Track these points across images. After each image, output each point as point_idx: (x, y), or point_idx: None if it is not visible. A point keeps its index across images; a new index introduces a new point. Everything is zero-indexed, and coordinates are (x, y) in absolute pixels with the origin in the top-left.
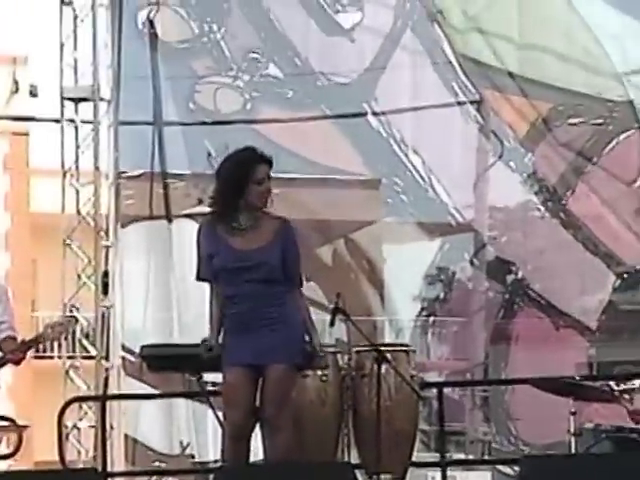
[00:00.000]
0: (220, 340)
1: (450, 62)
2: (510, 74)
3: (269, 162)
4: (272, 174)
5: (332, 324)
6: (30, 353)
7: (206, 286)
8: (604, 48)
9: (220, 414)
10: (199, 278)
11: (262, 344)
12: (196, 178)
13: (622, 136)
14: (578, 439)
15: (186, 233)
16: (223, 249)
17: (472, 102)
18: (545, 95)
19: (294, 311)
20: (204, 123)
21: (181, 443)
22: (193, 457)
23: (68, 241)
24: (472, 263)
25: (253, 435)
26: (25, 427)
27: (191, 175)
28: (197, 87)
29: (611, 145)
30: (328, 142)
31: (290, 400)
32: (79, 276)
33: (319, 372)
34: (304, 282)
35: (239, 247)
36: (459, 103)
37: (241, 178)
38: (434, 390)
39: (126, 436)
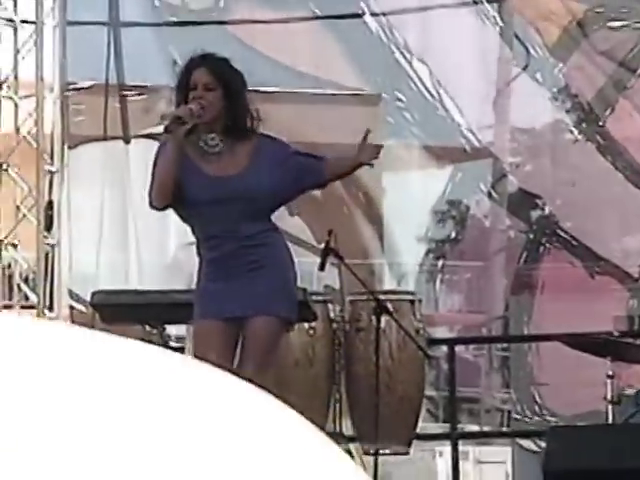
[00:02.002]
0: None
1: None
2: None
3: (213, 65)
4: (249, 87)
5: (322, 268)
6: None
7: (171, 221)
8: None
9: None
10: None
11: (243, 293)
12: (159, 91)
13: None
14: (616, 407)
15: (147, 157)
16: (194, 176)
17: (491, 0)
18: None
19: (283, 251)
20: (169, 24)
21: None
22: None
23: (4, 166)
24: (490, 196)
25: None
26: None
27: (153, 87)
28: None
29: None
30: (317, 49)
31: (273, 361)
32: (18, 207)
33: (306, 325)
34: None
35: (213, 173)
36: (475, 2)
37: (181, 88)
38: (444, 348)
39: None
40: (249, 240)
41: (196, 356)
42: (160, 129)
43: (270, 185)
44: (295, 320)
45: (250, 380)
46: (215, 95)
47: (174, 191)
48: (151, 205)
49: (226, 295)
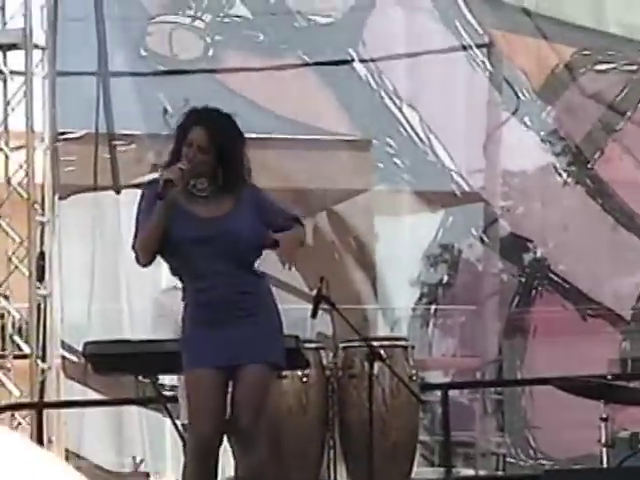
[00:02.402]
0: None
1: None
2: (526, 11)
3: (212, 126)
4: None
5: (314, 315)
6: None
7: (163, 270)
8: None
9: (179, 423)
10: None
11: (234, 341)
12: (150, 139)
13: None
14: (610, 451)
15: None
16: (182, 217)
17: (480, 46)
18: (568, 37)
19: (270, 298)
20: (158, 73)
21: (134, 459)
22: (148, 476)
23: None
24: (482, 240)
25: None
26: None
27: (143, 136)
28: (149, 29)
29: None
30: (307, 95)
31: (265, 408)
32: (9, 259)
33: (299, 372)
34: (286, 266)
35: (201, 215)
36: (464, 47)
37: (177, 142)
38: (438, 393)
39: (67, 451)
40: (237, 287)
41: (192, 406)
42: (151, 178)
43: (251, 228)
44: (285, 366)
45: (247, 428)
46: (208, 157)
47: (161, 238)
48: (136, 260)
49: (216, 343)
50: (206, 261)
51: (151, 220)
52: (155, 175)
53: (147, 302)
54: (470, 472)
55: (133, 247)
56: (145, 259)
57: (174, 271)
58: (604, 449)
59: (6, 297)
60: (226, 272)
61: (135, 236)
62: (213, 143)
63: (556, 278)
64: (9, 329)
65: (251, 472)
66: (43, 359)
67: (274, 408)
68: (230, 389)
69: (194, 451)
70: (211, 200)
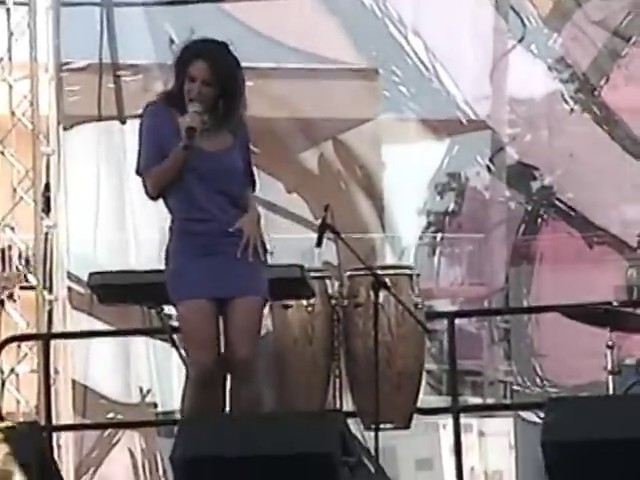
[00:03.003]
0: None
1: None
2: None
3: (214, 60)
4: (245, 64)
5: (319, 244)
6: None
7: None
8: None
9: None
10: (139, 173)
11: (227, 272)
12: (155, 70)
13: None
14: (617, 378)
15: None
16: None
17: None
18: None
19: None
20: (163, 3)
21: (140, 390)
22: (155, 406)
23: (0, 148)
24: (489, 168)
25: None
26: None
27: (150, 66)
28: None
29: None
30: (312, 24)
31: (257, 340)
32: (15, 190)
33: (304, 302)
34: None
35: (206, 147)
36: None
37: (179, 75)
38: (444, 321)
39: (74, 382)
40: (231, 223)
41: (192, 336)
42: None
43: (245, 167)
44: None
45: (243, 361)
46: (212, 91)
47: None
48: (145, 191)
49: (211, 272)
50: (206, 193)
51: (170, 166)
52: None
53: (153, 232)
54: (477, 400)
55: (139, 173)
56: (156, 194)
57: (168, 201)
58: (610, 376)
59: (12, 228)
60: (223, 206)
61: (140, 159)
62: (217, 76)
63: (562, 206)
64: (15, 260)
65: (248, 403)
66: (49, 290)
67: (279, 338)
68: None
69: (198, 381)
70: (212, 133)
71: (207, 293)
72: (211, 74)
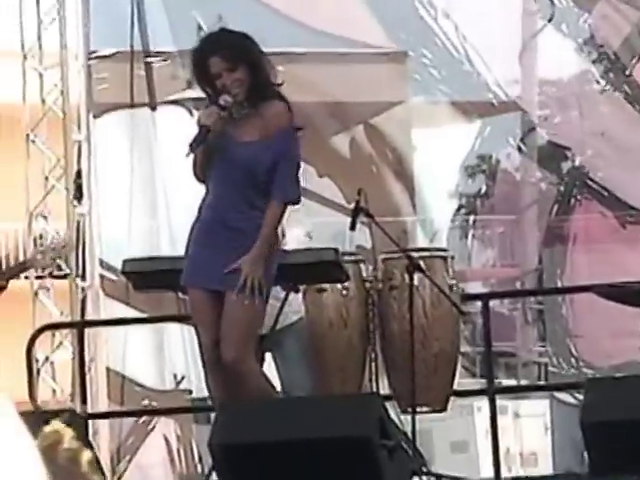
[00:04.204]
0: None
1: None
2: None
3: (225, 50)
4: (274, 49)
5: (353, 227)
6: None
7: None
8: None
9: None
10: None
11: (219, 264)
12: (184, 56)
13: None
14: None
15: (174, 122)
16: (221, 139)
17: None
18: None
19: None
20: None
21: (175, 377)
22: (190, 393)
23: (32, 136)
24: (520, 149)
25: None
26: None
27: (178, 53)
28: None
29: None
30: (341, 8)
31: (254, 333)
32: (46, 178)
33: (339, 286)
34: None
35: (235, 137)
36: None
37: (200, 78)
38: (478, 303)
39: (109, 370)
40: (237, 216)
41: (194, 317)
42: (186, 95)
43: (270, 165)
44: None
45: (229, 361)
46: (240, 73)
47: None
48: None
49: (208, 265)
50: (223, 184)
51: (195, 156)
52: (190, 92)
53: (186, 218)
54: (512, 382)
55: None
56: (198, 177)
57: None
58: None
59: (44, 217)
60: (235, 202)
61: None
62: (237, 62)
63: (595, 186)
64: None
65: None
66: (83, 278)
67: (315, 322)
68: None
69: (206, 364)
70: (244, 121)
71: (200, 284)
72: (228, 61)
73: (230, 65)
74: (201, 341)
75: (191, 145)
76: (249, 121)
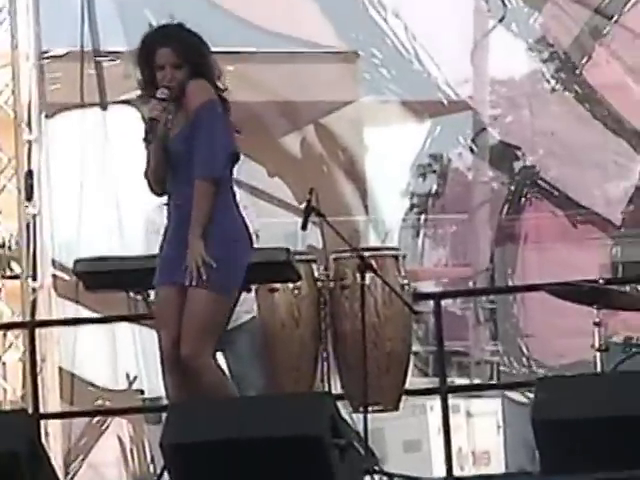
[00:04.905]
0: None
1: None
2: None
3: (177, 43)
4: (225, 48)
5: (304, 227)
6: None
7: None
8: None
9: None
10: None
11: (182, 260)
12: (134, 59)
13: None
14: (604, 355)
15: (125, 122)
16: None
17: None
18: None
19: (228, 224)
20: None
21: (127, 376)
22: (142, 392)
23: None
24: (471, 149)
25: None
26: None
27: (129, 52)
28: None
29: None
30: (292, 8)
31: (211, 335)
32: None
33: (290, 285)
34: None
35: (170, 132)
36: None
37: (143, 63)
38: (430, 302)
39: (61, 370)
40: (181, 208)
41: (157, 321)
42: (138, 94)
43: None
44: (238, 288)
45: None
46: (183, 73)
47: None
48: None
49: (176, 261)
50: (173, 180)
51: (149, 158)
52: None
53: (137, 218)
54: (465, 381)
55: (145, 175)
56: (157, 190)
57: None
58: (598, 354)
59: None
60: (181, 191)
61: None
62: (184, 56)
63: (545, 185)
64: None
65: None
66: (34, 278)
67: (267, 322)
68: None
69: (163, 365)
70: (174, 120)
71: (168, 279)
72: (178, 57)
73: (177, 62)
74: (161, 343)
75: (145, 139)
76: (175, 118)
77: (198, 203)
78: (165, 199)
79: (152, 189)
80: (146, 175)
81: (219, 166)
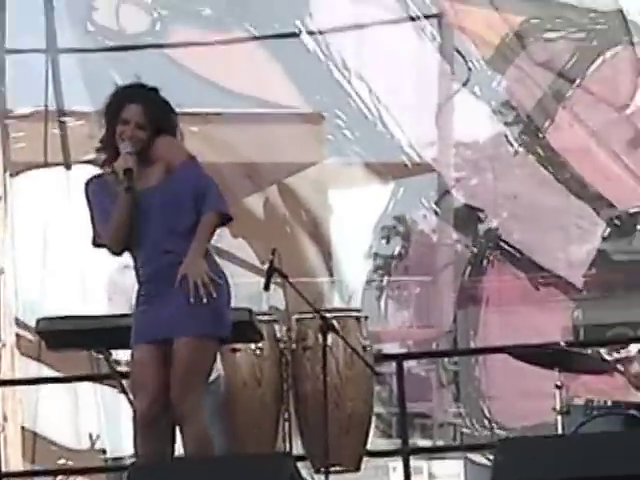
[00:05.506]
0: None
1: None
2: None
3: (148, 104)
4: (189, 109)
5: (267, 287)
6: None
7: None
8: None
9: None
10: (97, 244)
11: (167, 314)
12: (100, 116)
13: (609, 52)
14: (566, 418)
15: None
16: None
17: (428, 16)
18: (517, 6)
19: (212, 267)
20: (107, 49)
21: (90, 436)
22: (104, 452)
23: None
24: (435, 212)
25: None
26: None
27: (94, 113)
28: (95, 3)
29: (597, 63)
30: (255, 69)
31: (199, 381)
32: None
33: (252, 346)
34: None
35: (138, 188)
36: (412, 18)
37: (110, 120)
38: (393, 364)
39: (23, 429)
40: (173, 257)
41: (131, 381)
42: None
43: (187, 200)
44: (226, 335)
45: (174, 403)
46: (145, 134)
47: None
48: (110, 252)
49: (152, 317)
50: (146, 234)
51: (118, 212)
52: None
53: (101, 278)
54: (427, 443)
55: (96, 244)
56: (120, 248)
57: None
58: (559, 417)
59: None
60: (158, 243)
61: (95, 232)
62: (150, 119)
63: (508, 248)
64: None
65: (194, 446)
66: None
67: (228, 381)
68: None
69: (135, 424)
70: (141, 174)
71: (147, 337)
72: (145, 117)
73: (142, 122)
74: (137, 404)
75: (128, 188)
76: (143, 171)
77: (204, 231)
78: (128, 260)
79: (111, 247)
80: (100, 236)
81: (227, 205)
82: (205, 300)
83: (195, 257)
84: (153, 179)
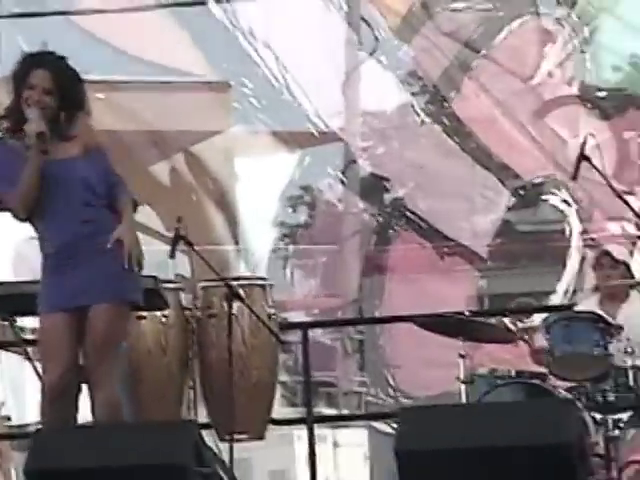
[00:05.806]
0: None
1: None
2: None
3: (54, 69)
4: (96, 77)
5: (172, 255)
6: None
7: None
8: None
9: (40, 367)
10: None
11: (81, 281)
12: (8, 83)
13: (515, 23)
14: (469, 387)
15: None
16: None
17: None
18: None
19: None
20: (14, 15)
21: None
22: (9, 419)
23: None
24: (342, 181)
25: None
26: None
27: (1, 80)
28: None
29: (503, 34)
30: (162, 37)
31: (115, 347)
32: None
33: (158, 313)
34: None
35: (54, 156)
36: None
37: (17, 87)
38: (298, 332)
39: None
40: (88, 226)
41: (40, 351)
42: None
43: (98, 174)
44: (139, 300)
45: (89, 370)
46: (52, 100)
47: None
48: (15, 217)
49: (62, 285)
50: (59, 202)
51: (29, 176)
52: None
53: (5, 245)
54: (332, 411)
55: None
56: (26, 214)
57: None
58: (463, 386)
59: None
60: (74, 215)
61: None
62: (58, 85)
63: (414, 217)
64: None
65: (105, 412)
66: None
67: (134, 349)
68: None
69: (43, 394)
70: (56, 144)
71: (59, 305)
72: (52, 83)
73: (49, 87)
74: (46, 374)
75: (43, 151)
76: (57, 143)
77: (129, 209)
78: (33, 231)
79: (18, 213)
80: (4, 201)
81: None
82: (136, 269)
83: (130, 226)
84: (73, 151)
